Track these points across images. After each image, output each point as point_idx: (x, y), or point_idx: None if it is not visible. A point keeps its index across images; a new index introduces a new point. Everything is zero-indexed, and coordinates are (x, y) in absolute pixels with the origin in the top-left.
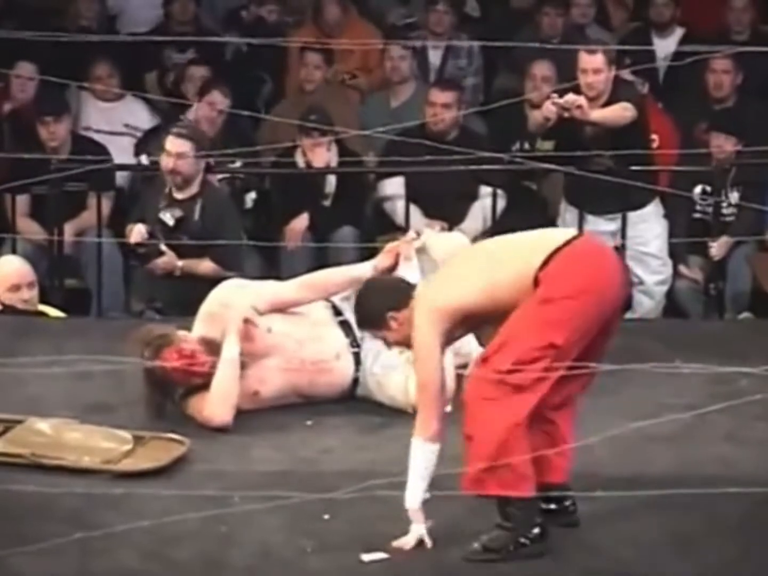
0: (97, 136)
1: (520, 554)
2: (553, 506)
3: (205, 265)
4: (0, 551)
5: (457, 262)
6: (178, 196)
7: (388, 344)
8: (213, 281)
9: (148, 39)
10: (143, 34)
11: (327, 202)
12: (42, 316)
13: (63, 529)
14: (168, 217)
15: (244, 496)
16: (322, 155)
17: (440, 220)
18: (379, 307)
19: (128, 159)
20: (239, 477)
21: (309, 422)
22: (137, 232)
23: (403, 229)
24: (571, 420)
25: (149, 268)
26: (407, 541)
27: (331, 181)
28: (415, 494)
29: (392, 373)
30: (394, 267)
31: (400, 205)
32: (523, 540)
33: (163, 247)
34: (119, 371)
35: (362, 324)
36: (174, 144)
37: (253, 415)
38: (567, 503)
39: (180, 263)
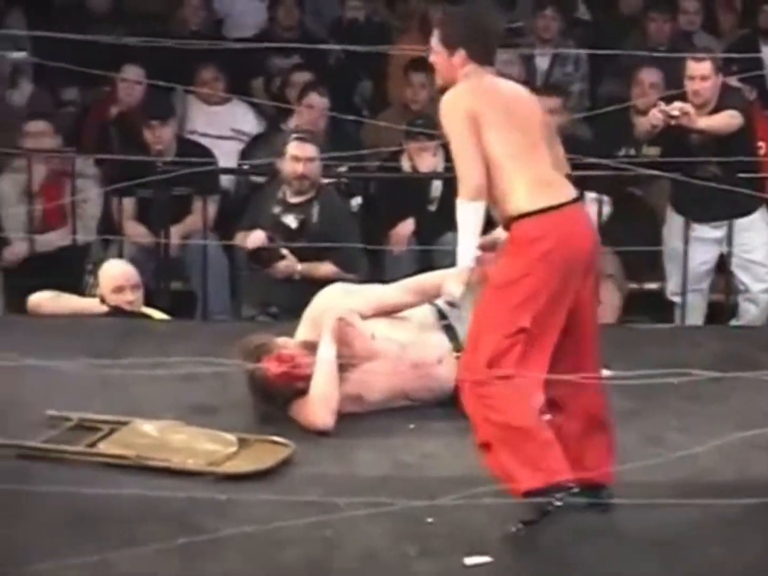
0: (202, 140)
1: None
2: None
3: (326, 268)
4: (106, 553)
5: None
6: (294, 200)
7: None
8: (327, 284)
9: (254, 46)
10: (249, 39)
11: (432, 207)
12: (147, 319)
13: (167, 532)
14: (291, 220)
15: (349, 503)
16: (428, 160)
17: None
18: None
19: (233, 163)
20: (342, 481)
21: (411, 426)
22: (256, 238)
23: None
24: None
25: (267, 272)
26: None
27: (437, 186)
28: (468, 251)
29: None
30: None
31: None
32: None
33: (285, 251)
34: (224, 374)
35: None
36: (302, 149)
37: (356, 418)
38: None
39: (300, 266)
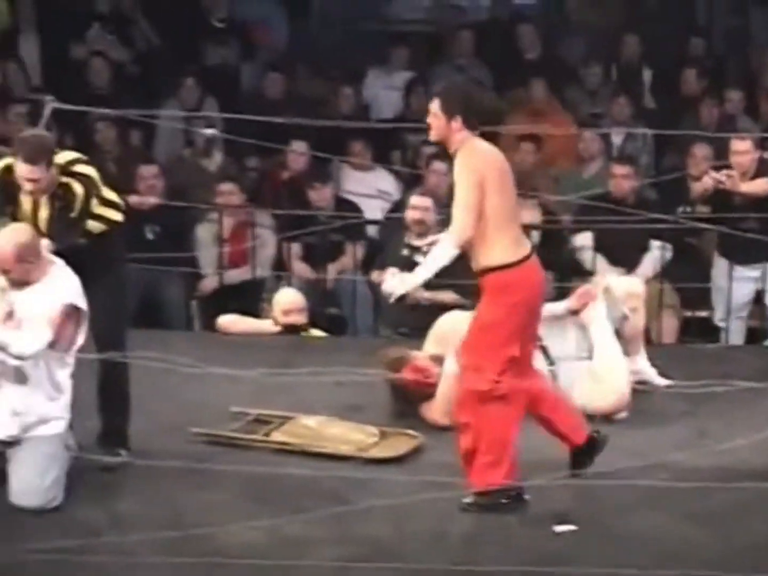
0: (354, 198)
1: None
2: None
3: (447, 295)
4: (277, 520)
5: None
6: (417, 242)
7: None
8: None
9: (391, 125)
10: (389, 120)
11: None
12: (310, 336)
13: (325, 504)
14: (419, 258)
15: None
16: (526, 215)
17: (620, 267)
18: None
19: (378, 216)
20: (459, 466)
21: None
22: (390, 274)
23: (590, 273)
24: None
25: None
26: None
27: (534, 235)
28: (421, 279)
29: (576, 385)
30: (583, 306)
31: (588, 254)
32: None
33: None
34: (369, 380)
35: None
36: (419, 200)
37: None
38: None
39: (426, 294)
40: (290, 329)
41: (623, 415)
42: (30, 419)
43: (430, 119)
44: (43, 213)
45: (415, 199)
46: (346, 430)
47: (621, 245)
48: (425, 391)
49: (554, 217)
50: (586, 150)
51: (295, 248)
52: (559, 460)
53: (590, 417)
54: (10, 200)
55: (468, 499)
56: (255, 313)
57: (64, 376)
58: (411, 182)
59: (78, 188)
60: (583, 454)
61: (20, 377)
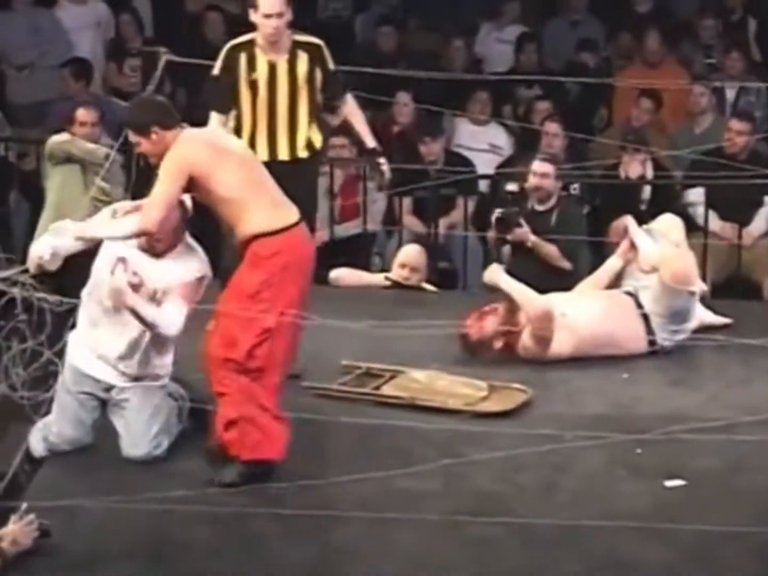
0: (466, 153)
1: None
2: None
3: (550, 248)
4: (388, 471)
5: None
6: (539, 208)
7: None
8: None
9: (504, 78)
10: (501, 74)
11: (643, 207)
12: (421, 291)
13: (433, 456)
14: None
15: (574, 436)
16: (636, 168)
17: (732, 222)
18: (147, 118)
19: (490, 170)
20: (569, 418)
21: (625, 375)
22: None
23: (703, 230)
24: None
25: (502, 246)
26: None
27: (647, 190)
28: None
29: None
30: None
31: (700, 210)
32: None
33: (522, 221)
34: None
35: (128, 124)
36: (540, 166)
37: (580, 370)
38: None
39: (533, 237)
40: (400, 284)
41: (702, 286)
42: (136, 369)
43: (144, 149)
44: (301, 67)
45: (535, 165)
46: (455, 384)
47: (733, 201)
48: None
49: (666, 172)
50: (696, 105)
51: (406, 202)
52: (670, 414)
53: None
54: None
55: (229, 475)
56: (365, 267)
57: None
58: (522, 137)
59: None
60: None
61: (127, 328)
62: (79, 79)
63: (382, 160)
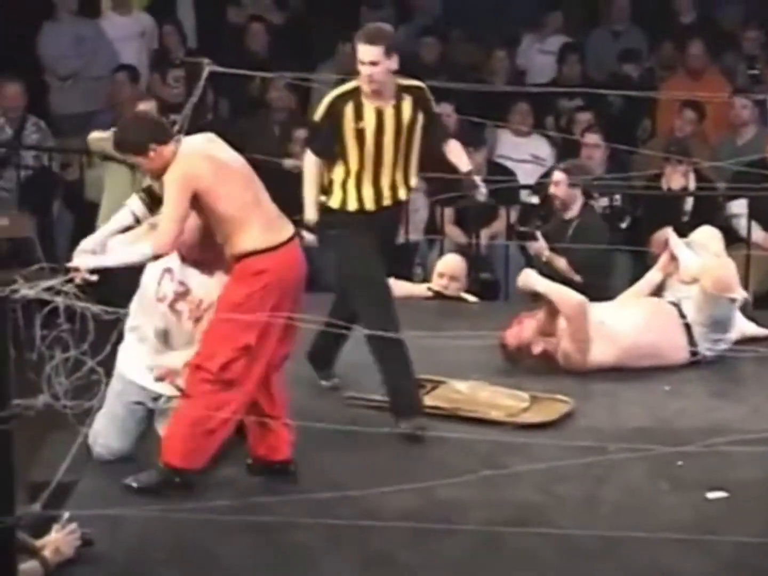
0: (507, 163)
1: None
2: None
3: (560, 262)
4: (429, 481)
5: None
6: (564, 217)
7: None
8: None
9: (545, 90)
10: (542, 85)
11: (686, 218)
12: (463, 301)
13: (475, 466)
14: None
15: (616, 448)
16: (678, 180)
17: None
18: (142, 137)
19: (531, 181)
20: (610, 430)
21: (667, 387)
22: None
23: (746, 241)
24: (282, 403)
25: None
26: None
27: (689, 201)
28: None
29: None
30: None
31: (743, 221)
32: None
33: (538, 234)
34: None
35: (124, 147)
36: (555, 175)
37: (621, 382)
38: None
39: (547, 252)
40: (442, 294)
41: (743, 294)
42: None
43: (146, 168)
44: (406, 113)
45: (554, 175)
46: (497, 394)
47: None
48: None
49: (709, 183)
50: (738, 117)
51: (448, 212)
52: (712, 426)
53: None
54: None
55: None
56: (407, 277)
57: None
58: (564, 148)
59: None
60: (264, 470)
61: (174, 339)
62: (134, 82)
63: (478, 180)
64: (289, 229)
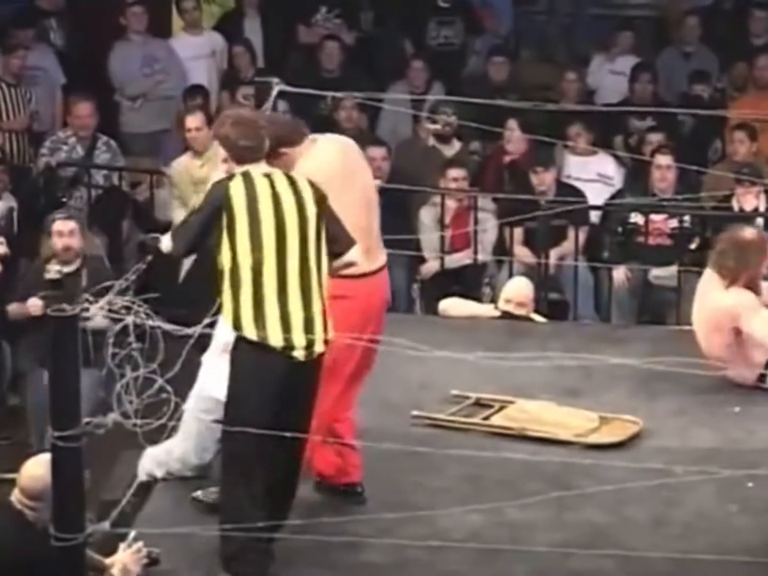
0: (576, 183)
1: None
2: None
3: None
4: (498, 503)
5: None
6: None
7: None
8: None
9: (614, 109)
10: (613, 105)
11: None
12: (531, 322)
13: (544, 488)
14: None
15: (685, 471)
16: (750, 201)
17: None
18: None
19: (600, 201)
20: (680, 452)
21: (737, 409)
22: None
23: None
24: (353, 425)
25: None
26: None
27: (759, 222)
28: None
29: None
30: None
31: None
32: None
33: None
34: (589, 365)
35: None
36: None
37: (691, 402)
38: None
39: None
40: (510, 314)
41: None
42: None
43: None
44: None
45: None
46: (565, 415)
47: None
48: None
49: None
50: None
51: (517, 233)
52: None
53: None
54: None
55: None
56: (476, 297)
57: None
58: (634, 168)
59: None
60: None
61: None
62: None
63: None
64: (381, 260)
